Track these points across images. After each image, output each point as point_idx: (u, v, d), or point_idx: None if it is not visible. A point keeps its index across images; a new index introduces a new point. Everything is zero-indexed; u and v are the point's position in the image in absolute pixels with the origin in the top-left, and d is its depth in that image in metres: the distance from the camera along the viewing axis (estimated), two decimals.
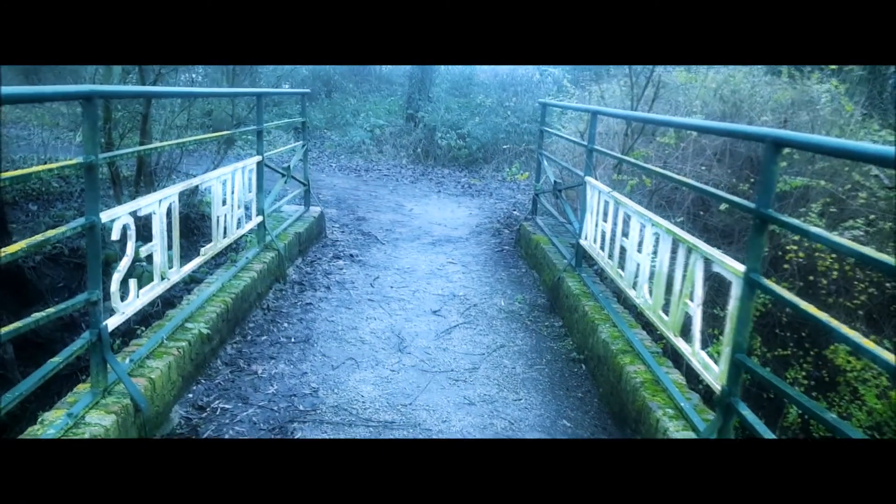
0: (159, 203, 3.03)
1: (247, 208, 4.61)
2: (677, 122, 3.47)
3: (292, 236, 5.44)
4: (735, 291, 2.34)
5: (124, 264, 2.70)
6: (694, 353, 2.63)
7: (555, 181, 5.60)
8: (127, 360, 2.80)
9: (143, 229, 2.98)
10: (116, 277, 2.64)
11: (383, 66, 21.41)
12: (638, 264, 3.41)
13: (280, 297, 4.71)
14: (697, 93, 5.82)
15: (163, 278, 3.13)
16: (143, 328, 3.46)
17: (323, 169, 11.44)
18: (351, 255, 5.97)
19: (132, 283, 2.80)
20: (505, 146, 11.41)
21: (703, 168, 4.59)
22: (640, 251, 3.42)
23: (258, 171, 4.78)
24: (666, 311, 2.98)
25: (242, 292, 4.05)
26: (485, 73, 16.11)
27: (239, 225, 4.36)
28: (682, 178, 3.10)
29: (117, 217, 2.62)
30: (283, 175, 5.65)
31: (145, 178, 6.27)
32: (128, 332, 3.77)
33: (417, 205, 8.74)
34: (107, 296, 2.60)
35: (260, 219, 4.79)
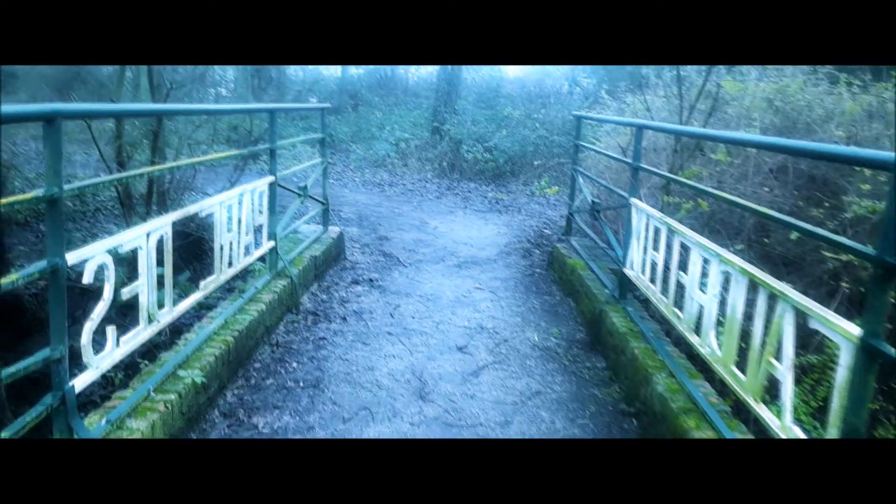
0: (147, 236, 2.63)
1: (257, 232, 4.22)
2: (748, 140, 2.96)
3: (308, 261, 5.04)
4: (846, 359, 1.85)
5: (99, 311, 2.30)
6: (784, 427, 2.14)
7: (592, 201, 5.12)
8: (103, 421, 2.39)
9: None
10: (88, 327, 2.24)
11: (409, 79, 21.18)
12: (701, 306, 2.91)
13: (291, 329, 4.29)
14: (749, 103, 5.30)
15: (151, 321, 2.73)
16: (147, 362, 3.07)
17: (346, 184, 11.09)
18: (370, 280, 5.55)
19: (110, 330, 2.40)
20: (536, 162, 10.93)
21: (766, 189, 4.07)
22: (703, 290, 2.93)
23: (270, 193, 4.39)
24: (741, 368, 2.49)
25: (248, 328, 3.64)
26: (512, 84, 15.71)
27: (247, 252, 3.96)
28: (762, 208, 2.61)
29: (89, 257, 2.22)
30: (300, 195, 5.26)
31: (158, 197, 5.94)
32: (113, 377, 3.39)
33: (442, 222, 8.31)
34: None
35: (271, 244, 4.39)
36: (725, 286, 2.72)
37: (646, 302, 4.21)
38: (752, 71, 6.14)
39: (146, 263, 2.62)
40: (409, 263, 6.21)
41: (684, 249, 3.21)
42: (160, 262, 2.80)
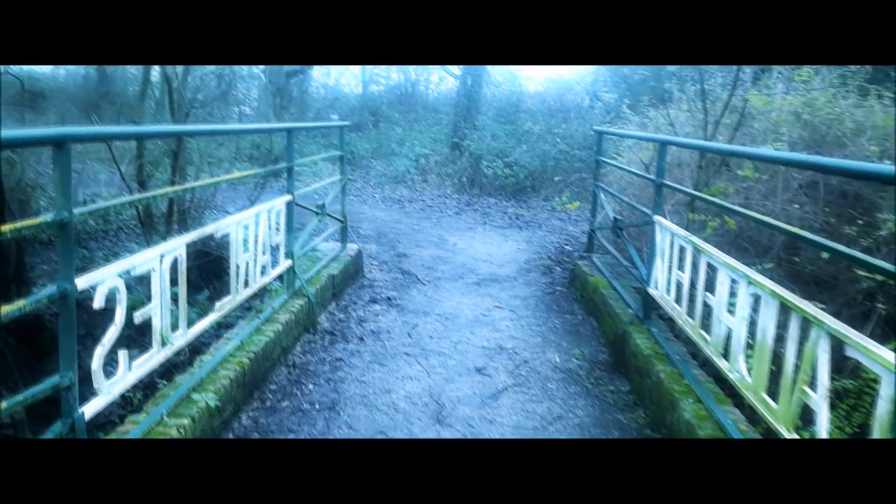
0: (160, 259, 2.60)
1: (275, 251, 4.19)
2: (773, 157, 2.84)
3: (325, 279, 5.00)
4: (887, 391, 1.73)
5: (111, 335, 2.26)
6: None
7: (615, 217, 5.01)
8: None
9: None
10: (99, 352, 2.20)
11: (430, 95, 21.26)
12: (729, 329, 2.80)
13: (308, 350, 4.24)
14: (776, 117, 5.17)
15: (164, 344, 2.69)
16: (165, 382, 3.05)
17: (366, 200, 11.09)
18: (388, 299, 5.49)
19: (122, 355, 2.36)
20: (557, 178, 10.83)
21: (795, 206, 3.94)
22: (731, 312, 2.82)
23: (288, 212, 4.37)
24: (773, 395, 2.38)
25: (264, 350, 3.59)
26: (532, 99, 15.65)
27: (264, 272, 3.93)
28: (788, 226, 2.50)
29: (100, 281, 2.19)
30: (318, 214, 5.23)
31: (179, 216, 5.97)
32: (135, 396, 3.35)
33: (462, 238, 8.24)
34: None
35: (289, 263, 4.36)
36: (755, 308, 2.61)
37: (671, 321, 4.10)
38: (777, 84, 6.02)
39: (159, 286, 2.58)
40: (427, 281, 6.15)
41: (711, 269, 3.10)
42: (174, 283, 2.77)
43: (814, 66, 5.64)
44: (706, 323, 3.22)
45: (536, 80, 17.60)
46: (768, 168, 4.49)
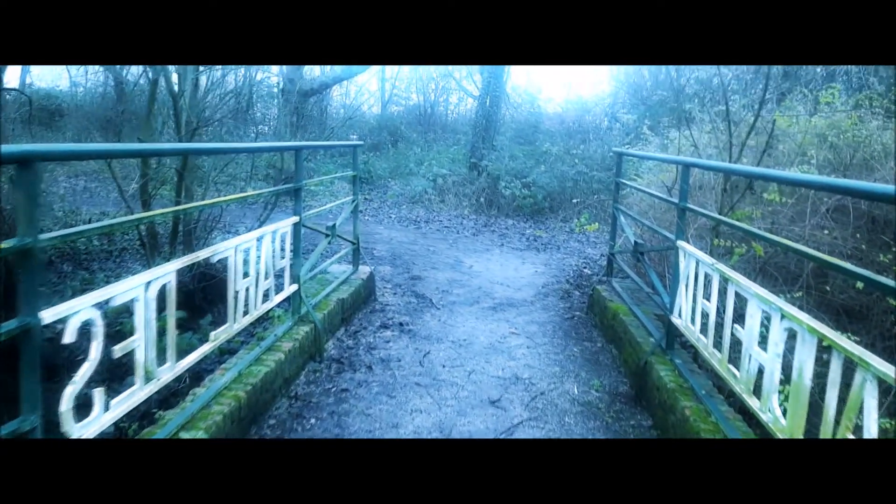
0: (146, 287, 2.44)
1: (279, 276, 4.03)
2: (807, 181, 2.60)
3: (334, 304, 4.82)
4: None
5: (83, 373, 2.09)
6: None
7: (635, 241, 4.78)
8: None
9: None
10: (70, 392, 2.02)
11: (448, 115, 21.22)
12: (760, 365, 2.56)
13: (313, 380, 4.05)
14: (802, 140, 4.92)
15: (149, 379, 2.52)
16: (162, 412, 2.89)
17: (381, 220, 10.96)
18: (401, 324, 5.29)
19: (97, 394, 2.18)
20: (575, 200, 10.60)
21: (825, 232, 3.69)
22: (763, 347, 2.58)
23: (295, 234, 4.21)
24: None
25: (263, 381, 3.41)
26: (550, 120, 15.51)
27: (266, 298, 3.76)
28: (820, 254, 2.26)
29: (72, 313, 2.02)
30: (328, 235, 5.07)
31: (184, 237, 5.85)
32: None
33: (478, 261, 8.04)
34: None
35: (294, 288, 4.19)
36: (790, 344, 2.37)
37: (694, 349, 3.85)
38: (798, 106, 5.77)
39: (143, 317, 2.42)
40: (441, 305, 5.94)
41: (739, 299, 2.87)
42: (162, 311, 2.61)
43: (837, 89, 5.41)
44: (734, 356, 2.98)
45: (555, 102, 17.50)
46: (794, 191, 4.23)
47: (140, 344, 2.42)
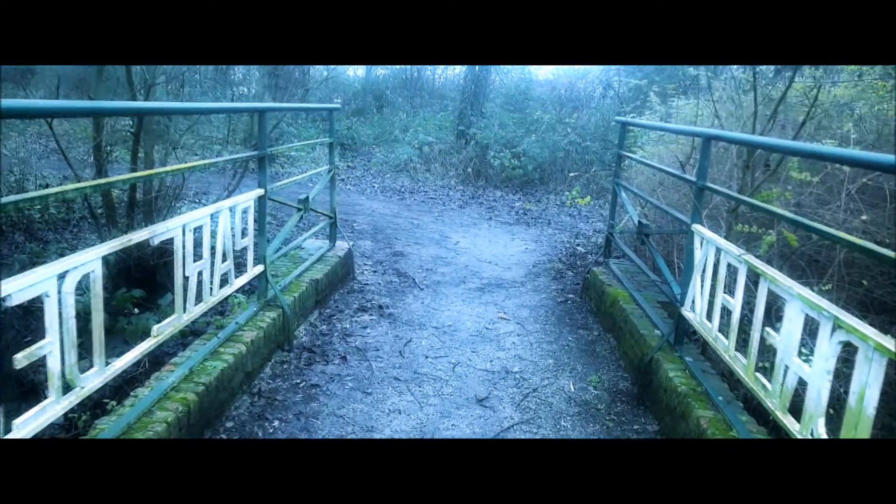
0: (59, 279, 1.97)
1: (241, 255, 3.57)
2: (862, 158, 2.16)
3: (307, 285, 4.37)
4: None
5: None
6: None
7: (639, 222, 4.35)
8: None
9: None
10: None
11: (436, 80, 20.52)
12: (800, 378, 2.16)
13: (279, 373, 3.62)
14: (833, 112, 4.47)
15: (69, 388, 2.07)
16: (114, 402, 2.46)
17: (364, 190, 10.45)
18: (380, 307, 4.85)
19: None
20: (571, 174, 10.13)
21: (864, 218, 3.28)
22: (805, 359, 2.18)
23: (260, 209, 3.74)
24: None
25: (219, 379, 2.97)
26: (542, 87, 14.92)
27: (226, 282, 3.30)
28: (872, 245, 1.84)
29: None
30: (300, 210, 4.59)
31: (145, 207, 5.33)
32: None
33: (465, 236, 7.59)
34: None
35: (259, 269, 3.73)
36: (842, 358, 1.97)
37: (702, 343, 3.46)
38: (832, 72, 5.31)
39: (56, 317, 1.95)
40: (425, 285, 5.51)
41: (773, 297, 2.46)
42: (119, 289, 2.14)
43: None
44: (764, 364, 2.58)
45: (546, 68, 16.87)
46: (819, 169, 3.81)
47: (52, 350, 1.95)
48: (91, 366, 2.20)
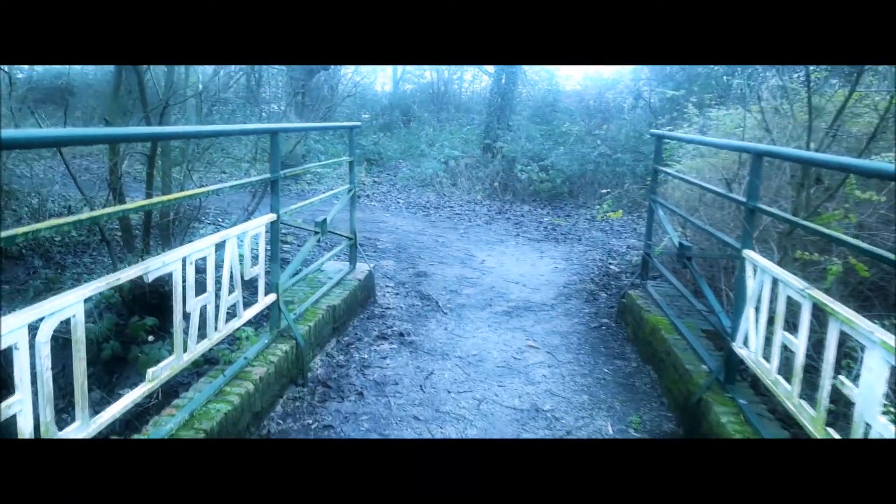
0: (30, 330, 1.74)
1: (250, 284, 3.34)
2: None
3: (324, 312, 4.13)
4: None
5: None
6: None
7: (680, 243, 4.02)
8: None
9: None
10: None
11: (462, 94, 20.32)
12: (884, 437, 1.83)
13: (291, 411, 3.37)
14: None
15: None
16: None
17: (389, 206, 10.24)
18: (401, 334, 4.59)
19: None
20: (604, 190, 9.79)
21: None
22: (890, 415, 1.85)
23: (272, 235, 3.52)
24: None
25: (222, 424, 2.73)
26: (570, 98, 14.60)
27: (233, 315, 3.07)
28: None
29: None
30: (317, 233, 4.36)
31: (161, 230, 5.17)
32: None
33: (491, 254, 7.30)
34: None
35: (272, 298, 3.50)
36: None
37: (752, 378, 3.12)
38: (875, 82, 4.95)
39: (27, 370, 1.72)
40: (449, 309, 5.23)
41: (846, 338, 2.13)
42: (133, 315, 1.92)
43: None
44: (834, 413, 2.25)
45: (574, 79, 16.55)
46: (884, 187, 3.45)
47: (23, 408, 1.72)
48: (73, 420, 1.97)
